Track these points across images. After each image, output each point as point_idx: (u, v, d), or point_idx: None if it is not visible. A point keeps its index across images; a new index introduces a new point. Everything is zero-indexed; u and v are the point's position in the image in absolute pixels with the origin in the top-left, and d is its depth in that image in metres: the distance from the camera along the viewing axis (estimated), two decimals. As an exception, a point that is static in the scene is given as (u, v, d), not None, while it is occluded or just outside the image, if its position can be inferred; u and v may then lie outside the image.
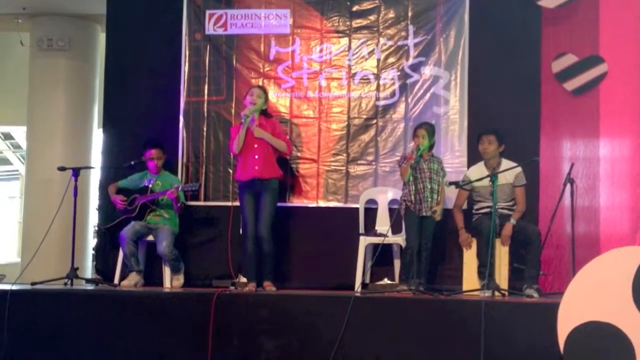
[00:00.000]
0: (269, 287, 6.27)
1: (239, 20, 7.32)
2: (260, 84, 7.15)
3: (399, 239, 6.50)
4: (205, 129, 7.25)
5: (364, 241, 6.57)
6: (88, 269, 8.41)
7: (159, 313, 5.61)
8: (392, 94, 7.10)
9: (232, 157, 7.12)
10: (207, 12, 7.33)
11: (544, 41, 6.89)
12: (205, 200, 7.18)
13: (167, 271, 6.77)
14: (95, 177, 8.09)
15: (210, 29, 7.33)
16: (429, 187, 6.35)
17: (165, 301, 5.76)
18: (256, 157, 6.35)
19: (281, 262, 6.68)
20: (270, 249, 6.32)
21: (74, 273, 6.41)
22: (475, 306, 5.13)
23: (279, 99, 7.17)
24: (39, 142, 8.51)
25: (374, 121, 7.10)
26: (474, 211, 6.49)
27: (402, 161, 6.44)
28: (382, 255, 6.32)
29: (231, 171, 7.14)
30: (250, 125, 6.34)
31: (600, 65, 6.54)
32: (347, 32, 7.20)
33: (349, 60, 7.17)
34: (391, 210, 6.74)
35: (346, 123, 7.12)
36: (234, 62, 7.29)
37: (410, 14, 7.12)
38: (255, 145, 6.37)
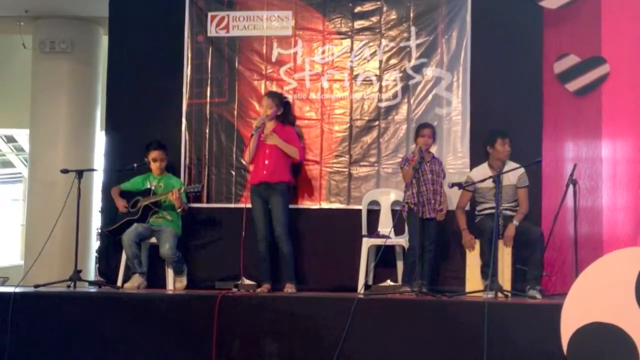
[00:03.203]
0: (289, 289, 6.30)
1: (241, 22, 7.32)
2: (263, 85, 7.18)
3: (402, 241, 6.50)
4: (207, 131, 7.26)
5: (366, 243, 6.58)
6: (91, 272, 8.41)
7: (162, 315, 5.62)
8: (395, 96, 7.10)
9: (234, 159, 7.15)
10: (209, 14, 7.34)
11: (546, 42, 6.89)
12: (207, 202, 7.18)
13: (170, 273, 6.77)
14: (98, 179, 8.10)
15: (212, 31, 7.34)
16: (432, 188, 6.35)
17: (168, 303, 5.75)
18: (266, 162, 6.45)
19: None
20: (288, 249, 6.38)
21: (77, 275, 6.42)
22: (478, 307, 5.13)
23: (281, 101, 7.17)
24: (42, 145, 8.53)
25: (376, 123, 7.10)
26: (476, 212, 6.49)
27: (404, 163, 6.44)
28: (384, 256, 6.31)
29: (234, 173, 7.16)
30: (261, 135, 6.46)
31: (602, 66, 6.54)
32: (349, 33, 7.20)
33: (351, 61, 7.17)
34: (394, 212, 6.74)
35: (348, 124, 7.12)
36: (236, 64, 7.29)
37: (412, 15, 7.12)
38: (267, 151, 6.47)
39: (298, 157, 6.66)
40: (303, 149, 6.83)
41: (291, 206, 6.82)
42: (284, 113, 6.65)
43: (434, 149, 6.76)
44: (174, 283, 6.78)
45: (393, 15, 7.16)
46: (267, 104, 6.57)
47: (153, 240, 6.79)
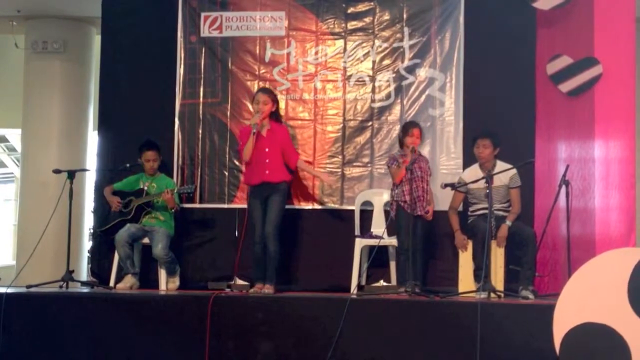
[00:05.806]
0: (267, 289, 6.20)
1: (234, 22, 7.32)
2: (256, 86, 7.17)
3: (395, 241, 6.49)
4: (200, 131, 7.25)
5: (359, 243, 6.57)
6: (83, 272, 8.39)
7: (155, 316, 5.61)
8: (388, 96, 7.10)
9: (227, 159, 7.14)
10: (202, 15, 7.32)
11: (539, 43, 6.91)
12: (200, 202, 7.17)
13: (162, 274, 6.75)
14: (90, 179, 8.08)
15: (205, 31, 7.33)
16: (422, 186, 6.37)
17: (161, 304, 5.74)
18: (267, 161, 6.37)
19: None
20: (275, 249, 6.26)
21: (69, 276, 6.40)
22: (471, 308, 5.14)
23: (274, 101, 7.17)
24: (34, 145, 8.50)
25: (370, 123, 7.10)
26: (469, 213, 6.50)
27: (392, 162, 6.45)
28: (377, 257, 6.33)
29: (227, 173, 7.15)
30: (258, 128, 6.31)
31: (595, 67, 6.54)
32: (343, 34, 7.20)
33: (345, 62, 7.17)
34: (387, 212, 6.74)
35: (342, 125, 7.12)
36: (230, 64, 7.28)
37: (405, 15, 7.13)
38: (267, 150, 6.37)
39: (292, 165, 6.57)
40: (298, 155, 6.74)
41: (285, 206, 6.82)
42: (277, 110, 6.61)
43: (425, 150, 6.80)
44: (166, 283, 6.77)
45: (386, 16, 7.16)
46: (264, 99, 6.43)
47: (146, 240, 6.77)
